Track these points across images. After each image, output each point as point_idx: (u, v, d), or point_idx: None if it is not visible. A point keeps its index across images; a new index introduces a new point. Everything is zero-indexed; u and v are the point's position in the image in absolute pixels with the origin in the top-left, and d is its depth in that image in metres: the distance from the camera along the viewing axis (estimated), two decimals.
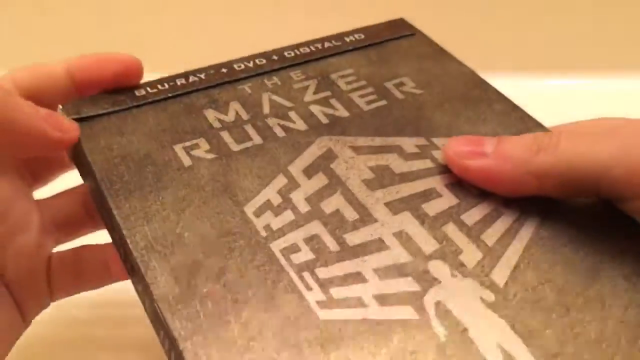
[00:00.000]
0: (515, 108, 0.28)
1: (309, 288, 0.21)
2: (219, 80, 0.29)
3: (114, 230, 0.24)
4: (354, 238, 0.23)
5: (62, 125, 0.26)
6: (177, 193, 0.24)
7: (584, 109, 0.32)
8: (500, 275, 0.22)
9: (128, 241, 0.23)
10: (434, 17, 0.40)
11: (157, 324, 0.21)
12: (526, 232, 0.23)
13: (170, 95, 0.28)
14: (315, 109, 0.28)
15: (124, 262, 0.24)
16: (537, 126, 0.27)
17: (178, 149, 0.26)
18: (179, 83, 0.29)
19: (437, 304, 0.21)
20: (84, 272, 0.29)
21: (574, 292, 0.21)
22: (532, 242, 0.23)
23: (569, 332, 0.20)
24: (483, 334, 0.20)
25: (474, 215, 0.24)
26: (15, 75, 0.27)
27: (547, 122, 0.27)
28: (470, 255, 0.22)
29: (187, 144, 0.26)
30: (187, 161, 0.26)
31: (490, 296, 0.21)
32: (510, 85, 0.32)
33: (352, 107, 0.28)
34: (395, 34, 0.33)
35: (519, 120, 0.28)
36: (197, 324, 0.20)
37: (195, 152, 0.26)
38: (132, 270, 0.23)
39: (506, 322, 0.20)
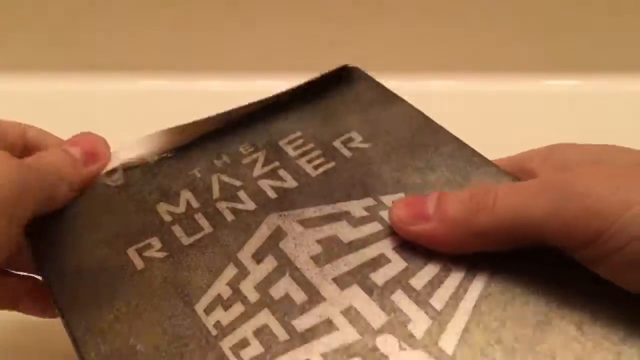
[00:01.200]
0: (462, 147, 0.28)
1: None
2: (170, 167, 0.30)
3: (70, 336, 0.25)
4: (302, 323, 0.23)
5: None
6: (131, 302, 0.25)
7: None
8: (448, 342, 0.21)
9: (84, 358, 0.23)
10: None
11: None
12: (475, 289, 0.23)
13: (124, 194, 0.29)
14: (264, 184, 0.28)
15: None
16: (483, 164, 0.27)
17: (131, 252, 0.26)
18: (132, 177, 0.30)
19: None
20: None
21: (524, 350, 0.21)
22: (482, 300, 0.22)
23: None
24: None
25: (422, 277, 0.23)
26: None
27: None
28: (419, 323, 0.22)
29: (140, 245, 0.27)
30: (140, 264, 0.26)
31: None
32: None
33: (300, 175, 0.28)
34: (341, 83, 0.33)
35: (466, 161, 0.27)
36: None
37: (147, 253, 0.26)
38: None
39: None
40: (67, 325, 0.24)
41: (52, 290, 0.25)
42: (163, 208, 0.28)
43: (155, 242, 0.27)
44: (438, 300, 0.23)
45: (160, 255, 0.26)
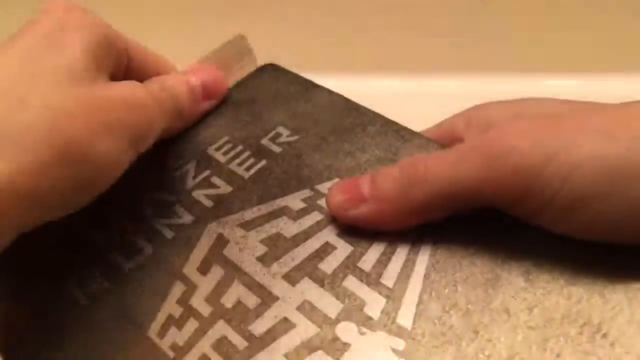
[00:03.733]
0: (387, 123, 0.28)
1: None
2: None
3: None
4: (259, 327, 0.22)
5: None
6: (85, 342, 0.24)
7: None
8: (405, 317, 0.21)
9: None
10: None
11: None
12: (422, 261, 0.23)
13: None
14: (198, 194, 0.28)
15: None
16: (411, 137, 0.27)
17: (73, 287, 0.26)
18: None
19: None
20: None
21: (479, 310, 0.21)
22: (430, 269, 0.22)
23: (481, 357, 0.20)
24: None
25: (370, 258, 0.23)
26: None
27: None
28: (374, 305, 0.22)
29: (78, 279, 0.26)
30: (84, 300, 0.25)
31: (399, 344, 0.21)
32: None
33: (234, 179, 0.28)
34: (262, 82, 0.32)
35: (395, 136, 0.27)
36: None
37: (90, 288, 0.25)
38: None
39: None
40: None
41: None
42: (95, 235, 0.27)
43: (95, 271, 0.26)
44: (388, 278, 0.23)
45: (104, 285, 0.25)
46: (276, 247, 0.25)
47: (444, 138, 0.27)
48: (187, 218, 0.27)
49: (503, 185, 0.21)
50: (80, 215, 0.28)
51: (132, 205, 0.28)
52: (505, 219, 0.22)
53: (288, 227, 0.25)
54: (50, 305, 0.25)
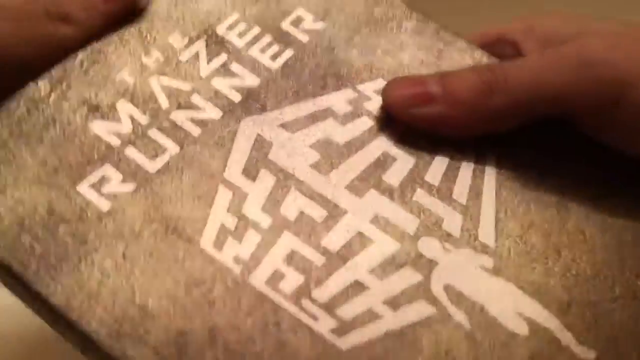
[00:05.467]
0: (424, 21, 0.26)
1: (315, 318, 0.19)
2: (86, 74, 0.23)
3: (56, 322, 0.20)
4: (332, 242, 0.21)
5: None
6: (114, 252, 0.20)
7: None
8: (487, 235, 0.21)
9: (86, 330, 0.19)
10: None
11: None
12: (490, 177, 0.23)
13: (36, 116, 0.22)
14: (219, 84, 0.24)
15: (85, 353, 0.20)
16: (453, 40, 0.26)
17: (84, 190, 0.21)
18: (35, 94, 0.23)
19: (446, 288, 0.20)
20: None
21: (556, 230, 0.22)
22: (500, 186, 0.22)
23: (569, 276, 0.21)
24: (500, 306, 0.20)
25: (436, 172, 0.23)
26: None
27: None
28: (452, 221, 0.22)
29: (92, 179, 0.21)
30: (103, 204, 0.21)
31: (488, 262, 0.21)
32: None
33: (259, 69, 0.24)
34: None
35: (435, 37, 0.26)
36: None
37: (107, 189, 0.21)
38: None
39: (514, 284, 0.20)
40: (42, 299, 0.19)
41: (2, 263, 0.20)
42: (100, 128, 0.23)
43: (112, 172, 0.22)
44: (460, 194, 0.22)
45: (126, 188, 0.21)
46: (329, 154, 0.23)
47: (489, 44, 0.26)
48: (212, 112, 0.23)
49: (592, 94, 0.21)
50: (70, 99, 0.23)
51: (137, 92, 0.23)
52: (565, 135, 0.23)
53: (337, 132, 0.23)
54: (61, 212, 0.21)
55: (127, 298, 0.19)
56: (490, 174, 0.23)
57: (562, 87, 0.21)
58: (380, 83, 0.24)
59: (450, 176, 0.23)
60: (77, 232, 0.20)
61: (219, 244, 0.21)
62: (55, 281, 0.19)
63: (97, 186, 0.21)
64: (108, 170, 0.22)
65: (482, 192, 0.22)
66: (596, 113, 0.22)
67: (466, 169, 0.23)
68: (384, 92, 0.23)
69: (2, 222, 0.20)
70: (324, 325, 0.19)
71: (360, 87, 0.24)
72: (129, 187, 0.21)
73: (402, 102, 0.23)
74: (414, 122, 0.23)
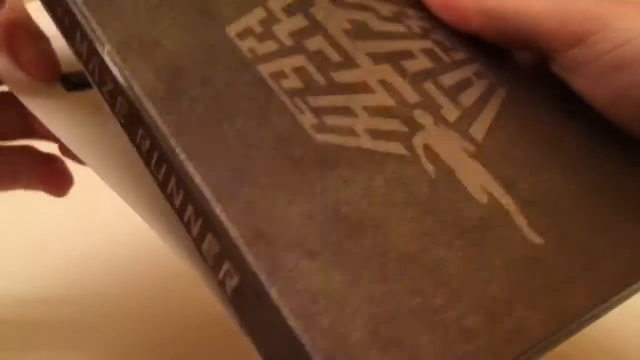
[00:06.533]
0: None
1: (301, 112, 0.20)
2: None
3: (71, 27, 0.21)
4: (339, 76, 0.22)
5: None
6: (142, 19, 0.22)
7: None
8: (477, 131, 0.22)
9: (98, 33, 0.20)
10: None
11: (133, 125, 0.19)
12: (497, 98, 0.24)
13: None
14: None
15: (86, 63, 0.21)
16: None
17: None
18: None
19: (425, 146, 0.21)
20: None
21: (541, 152, 0.23)
22: (502, 109, 0.24)
23: (540, 185, 0.21)
24: (468, 176, 0.21)
25: (449, 78, 0.24)
26: None
27: None
28: (450, 111, 0.23)
29: None
30: None
31: (470, 147, 0.22)
32: None
33: None
34: None
35: None
36: (187, 123, 0.18)
37: None
38: (99, 71, 0.20)
39: (487, 171, 0.21)
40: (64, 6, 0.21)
41: None
42: None
43: None
44: (465, 99, 0.24)
45: None
46: (361, 30, 0.25)
47: None
48: None
49: (570, 23, 0.22)
50: None
51: None
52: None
53: (375, 23, 0.25)
54: None
55: (147, 29, 0.21)
56: (497, 98, 0.24)
57: (541, 10, 0.23)
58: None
59: (461, 86, 0.24)
60: None
61: (241, 35, 0.22)
62: None
63: None
64: None
65: (485, 106, 0.24)
66: (568, 46, 0.23)
67: (477, 88, 0.24)
68: None
69: None
70: (307, 119, 0.20)
71: (407, 9, 0.27)
72: None
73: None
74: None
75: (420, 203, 0.19)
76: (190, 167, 0.18)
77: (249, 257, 0.17)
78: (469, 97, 0.24)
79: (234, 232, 0.17)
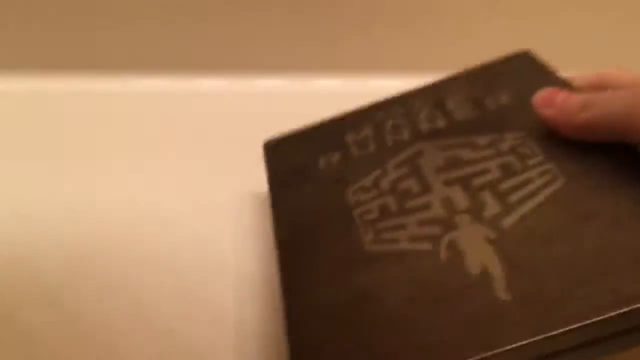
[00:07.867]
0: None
1: (366, 233, 0.30)
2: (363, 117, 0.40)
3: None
4: (411, 203, 0.31)
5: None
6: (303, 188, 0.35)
7: None
8: (508, 220, 0.27)
9: None
10: None
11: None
12: (548, 191, 0.28)
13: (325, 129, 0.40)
14: (423, 125, 0.37)
15: None
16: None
17: (321, 159, 0.37)
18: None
19: (450, 241, 0.28)
20: None
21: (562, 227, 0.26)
22: (546, 201, 0.28)
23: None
24: (473, 254, 0.26)
25: (509, 183, 0.29)
26: None
27: None
28: (491, 209, 0.28)
29: (328, 154, 0.37)
30: (322, 164, 0.37)
31: (492, 235, 0.27)
32: None
33: (450, 119, 0.36)
34: (507, 61, 0.39)
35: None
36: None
37: (329, 159, 0.37)
38: None
39: (494, 249, 0.26)
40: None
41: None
42: (350, 137, 0.38)
43: (337, 156, 0.37)
44: (513, 197, 0.28)
45: (336, 159, 0.37)
46: (452, 164, 0.32)
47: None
48: (406, 136, 0.36)
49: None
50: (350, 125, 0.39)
51: (379, 124, 0.39)
52: None
53: (467, 153, 0.33)
54: (305, 166, 0.37)
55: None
56: (551, 188, 0.28)
57: (624, 111, 0.27)
58: (522, 134, 0.33)
59: (518, 187, 0.29)
60: (302, 175, 0.37)
61: (355, 193, 0.33)
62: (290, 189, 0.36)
63: (328, 157, 0.37)
64: (336, 155, 0.38)
65: (531, 199, 0.28)
66: None
67: (534, 184, 0.29)
68: (536, 94, 0.33)
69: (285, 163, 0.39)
70: (367, 237, 0.30)
71: (507, 134, 0.33)
72: (339, 160, 0.37)
73: (539, 103, 0.32)
74: (540, 117, 0.32)
75: (418, 280, 0.26)
76: None
77: None
78: (518, 194, 0.28)
79: None
